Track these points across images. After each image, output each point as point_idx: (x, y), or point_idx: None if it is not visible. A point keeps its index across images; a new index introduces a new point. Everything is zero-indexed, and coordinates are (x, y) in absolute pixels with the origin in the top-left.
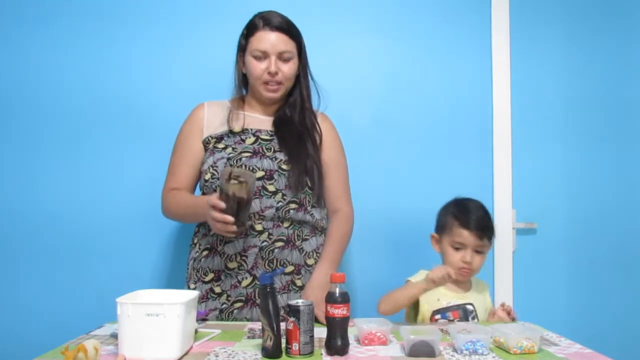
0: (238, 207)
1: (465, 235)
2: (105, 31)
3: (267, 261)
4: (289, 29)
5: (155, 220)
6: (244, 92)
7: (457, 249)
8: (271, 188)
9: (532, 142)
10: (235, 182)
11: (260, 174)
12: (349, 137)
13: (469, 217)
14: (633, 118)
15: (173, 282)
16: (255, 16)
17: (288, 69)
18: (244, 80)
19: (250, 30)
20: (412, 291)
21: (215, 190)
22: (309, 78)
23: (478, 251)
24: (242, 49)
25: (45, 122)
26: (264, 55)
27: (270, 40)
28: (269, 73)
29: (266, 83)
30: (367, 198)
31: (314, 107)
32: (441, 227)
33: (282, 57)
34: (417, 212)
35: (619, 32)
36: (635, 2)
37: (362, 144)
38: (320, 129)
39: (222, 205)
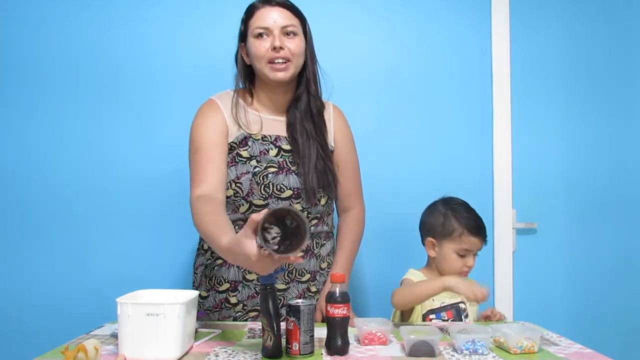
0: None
1: (473, 242)
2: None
3: (286, 272)
4: (291, 6)
5: (156, 220)
6: (244, 85)
7: (461, 255)
8: (298, 207)
9: (532, 142)
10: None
11: (288, 193)
12: None
13: (477, 223)
14: (633, 118)
15: (174, 282)
16: (253, 1)
17: (295, 45)
18: (248, 74)
19: (249, 13)
20: (431, 290)
21: (236, 207)
22: (316, 63)
23: (475, 253)
24: (242, 36)
25: (44, 125)
26: (267, 33)
27: (271, 15)
28: (274, 49)
29: (272, 62)
30: (369, 199)
31: (325, 98)
32: (441, 233)
33: (286, 31)
34: (418, 212)
35: (620, 23)
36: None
37: (361, 143)
38: (330, 121)
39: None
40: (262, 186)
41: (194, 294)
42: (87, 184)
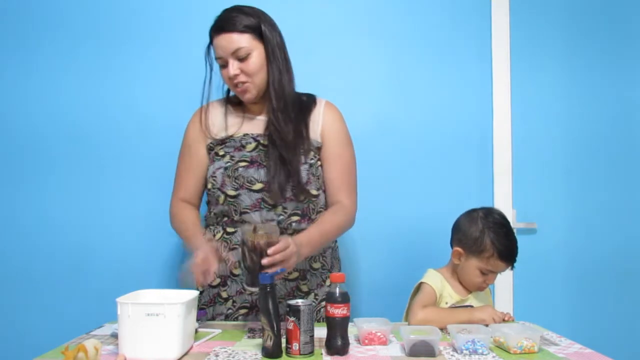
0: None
1: (500, 266)
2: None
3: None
4: (237, 25)
5: (155, 220)
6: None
7: (484, 273)
8: (270, 200)
9: (532, 143)
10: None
11: (259, 185)
12: None
13: (509, 250)
14: (633, 123)
15: (174, 282)
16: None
17: (248, 66)
18: None
19: (210, 39)
20: (459, 322)
21: (217, 199)
22: (282, 64)
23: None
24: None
25: (47, 127)
26: (223, 61)
27: (221, 44)
28: (229, 78)
29: (235, 87)
30: (368, 199)
31: (317, 95)
32: (471, 247)
33: (237, 56)
34: (418, 212)
35: (621, 36)
36: (636, 5)
37: (362, 145)
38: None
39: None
40: (233, 178)
41: (194, 294)
42: (88, 183)
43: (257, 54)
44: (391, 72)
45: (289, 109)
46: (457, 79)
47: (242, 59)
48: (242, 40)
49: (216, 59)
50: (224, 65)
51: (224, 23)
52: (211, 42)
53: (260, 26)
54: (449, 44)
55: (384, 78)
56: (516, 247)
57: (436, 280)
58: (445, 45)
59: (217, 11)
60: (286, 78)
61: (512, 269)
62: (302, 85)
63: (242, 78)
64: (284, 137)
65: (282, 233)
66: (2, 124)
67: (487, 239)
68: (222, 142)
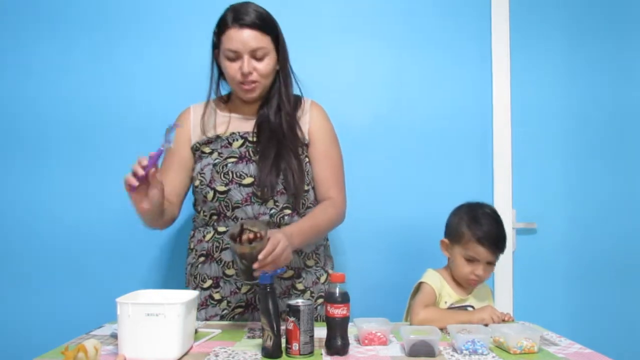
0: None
1: (481, 251)
2: (103, 37)
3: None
4: (261, 24)
5: None
6: (222, 91)
7: (469, 261)
8: (261, 195)
9: (532, 143)
10: (249, 244)
11: (249, 180)
12: (348, 140)
13: (485, 232)
14: (633, 123)
15: (173, 282)
16: (227, 10)
17: (263, 67)
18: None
19: (221, 27)
20: (461, 320)
21: (204, 197)
22: (289, 73)
23: (489, 262)
24: (216, 46)
25: (48, 127)
26: (237, 55)
27: (241, 38)
28: (242, 74)
29: (242, 83)
30: (366, 199)
31: (304, 96)
32: (453, 236)
33: (255, 54)
34: (417, 213)
35: (620, 36)
36: (636, 4)
37: (361, 145)
38: (299, 126)
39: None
40: (222, 174)
41: (194, 294)
42: (87, 186)
43: (271, 58)
44: (391, 72)
45: (286, 110)
46: (457, 79)
47: (258, 59)
48: (264, 41)
49: (226, 50)
50: (233, 59)
51: (250, 19)
52: (223, 32)
53: (279, 35)
54: (449, 44)
55: (384, 78)
56: (496, 232)
57: (435, 280)
58: (445, 45)
59: (217, 9)
60: (291, 84)
61: (496, 256)
62: (301, 85)
63: (254, 77)
64: (278, 133)
65: (275, 226)
66: (2, 122)
67: (465, 224)
68: (209, 141)
